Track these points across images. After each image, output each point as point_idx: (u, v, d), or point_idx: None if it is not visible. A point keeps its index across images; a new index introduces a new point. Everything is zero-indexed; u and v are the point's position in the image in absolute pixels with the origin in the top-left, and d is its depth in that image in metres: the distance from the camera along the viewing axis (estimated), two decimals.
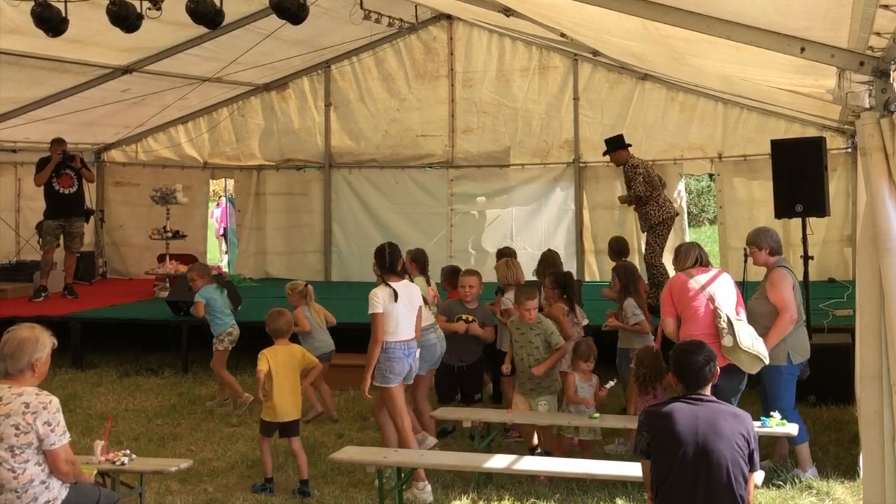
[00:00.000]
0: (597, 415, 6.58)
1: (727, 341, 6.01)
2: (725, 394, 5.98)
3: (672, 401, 4.25)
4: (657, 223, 10.08)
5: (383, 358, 6.33)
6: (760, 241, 6.47)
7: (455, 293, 7.89)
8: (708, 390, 4.24)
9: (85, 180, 12.00)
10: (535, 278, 8.53)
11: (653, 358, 6.65)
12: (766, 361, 6.06)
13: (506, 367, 7.17)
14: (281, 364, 6.49)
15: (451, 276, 8.32)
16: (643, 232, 10.41)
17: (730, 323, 6.05)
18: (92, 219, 13.02)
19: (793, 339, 6.32)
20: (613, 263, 8.84)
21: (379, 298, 6.28)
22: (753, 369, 6.08)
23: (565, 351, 6.93)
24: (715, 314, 6.11)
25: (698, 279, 6.31)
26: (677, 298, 6.29)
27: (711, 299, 6.16)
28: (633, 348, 7.42)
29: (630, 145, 10.50)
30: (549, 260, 8.52)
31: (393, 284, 6.33)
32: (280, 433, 6.51)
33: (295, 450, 6.47)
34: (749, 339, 6.02)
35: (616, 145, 10.44)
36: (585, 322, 7.89)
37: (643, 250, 10.55)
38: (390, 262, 6.43)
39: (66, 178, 11.74)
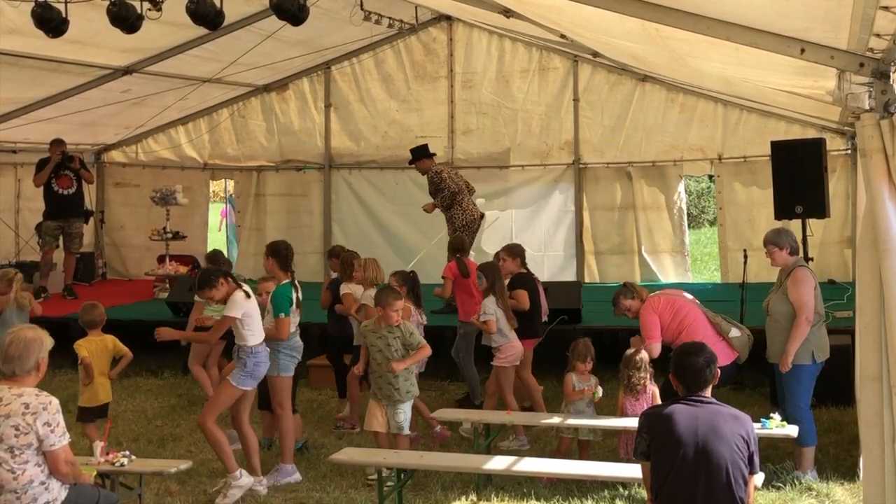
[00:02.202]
0: (599, 391, 6.67)
1: (735, 332, 6.58)
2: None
3: (672, 402, 4.24)
4: (461, 225, 10.48)
5: (256, 361, 6.41)
6: (781, 241, 6.51)
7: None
8: (708, 392, 4.24)
9: (84, 181, 12.00)
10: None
11: (644, 361, 6.65)
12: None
13: (359, 369, 7.04)
14: (95, 353, 6.93)
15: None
16: (449, 235, 10.56)
17: (725, 318, 6.65)
18: (92, 220, 13.02)
19: (816, 339, 6.38)
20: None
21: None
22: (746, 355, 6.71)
23: (429, 351, 6.74)
24: (707, 315, 6.64)
25: (675, 292, 6.91)
26: (668, 317, 6.63)
27: (698, 305, 6.73)
28: (489, 345, 7.65)
29: (434, 154, 11.03)
30: (350, 263, 8.34)
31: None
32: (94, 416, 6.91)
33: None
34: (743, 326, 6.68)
35: (421, 155, 10.85)
36: (425, 322, 7.98)
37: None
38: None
39: (64, 178, 11.74)
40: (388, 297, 6.59)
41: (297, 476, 6.74)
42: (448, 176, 10.60)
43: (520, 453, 7.07)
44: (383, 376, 6.56)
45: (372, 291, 7.66)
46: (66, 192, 11.73)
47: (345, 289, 8.09)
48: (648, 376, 6.57)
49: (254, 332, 6.37)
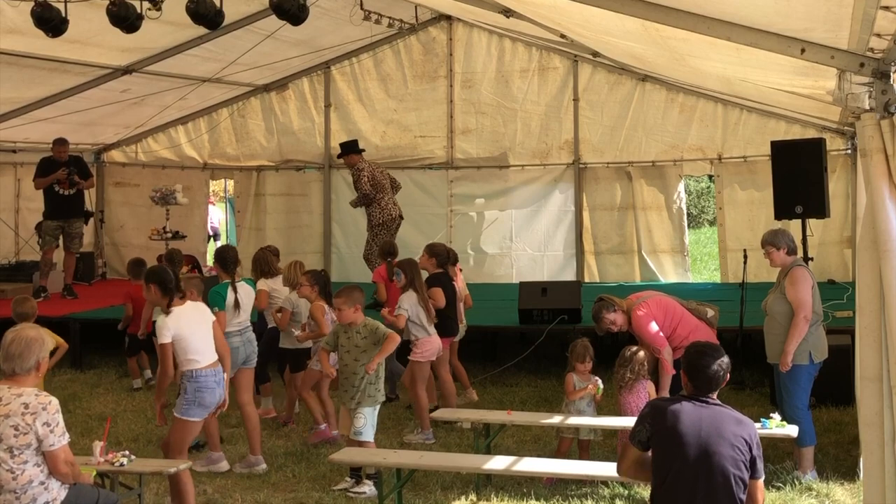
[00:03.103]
0: (600, 385, 6.70)
1: (711, 312, 7.08)
2: None
3: (679, 399, 4.26)
4: (378, 224, 10.84)
5: (198, 387, 5.89)
6: (778, 242, 6.52)
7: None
8: (716, 395, 4.25)
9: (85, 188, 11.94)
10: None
11: (638, 360, 6.66)
12: None
13: (331, 372, 6.76)
14: None
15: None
16: (367, 232, 11.00)
17: (697, 302, 7.15)
18: (92, 219, 13.00)
19: (814, 339, 6.39)
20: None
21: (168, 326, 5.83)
22: None
23: (397, 339, 6.58)
24: (685, 306, 6.99)
25: (652, 293, 7.09)
26: (661, 319, 6.78)
27: (676, 299, 7.03)
28: (408, 339, 7.69)
29: (363, 150, 11.29)
30: (262, 259, 8.37)
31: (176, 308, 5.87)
32: None
33: None
34: None
35: (349, 150, 11.13)
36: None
37: (364, 247, 11.24)
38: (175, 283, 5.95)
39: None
40: (354, 295, 6.55)
41: (224, 464, 6.93)
42: (368, 174, 10.80)
43: (425, 447, 7.24)
44: (348, 378, 6.48)
45: (292, 294, 7.88)
46: (66, 193, 11.69)
47: (260, 285, 8.11)
48: (644, 372, 6.60)
49: (189, 356, 5.87)
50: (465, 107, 13.00)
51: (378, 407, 6.54)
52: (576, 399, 6.74)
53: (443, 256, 8.38)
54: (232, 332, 7.02)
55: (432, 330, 7.79)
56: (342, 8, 10.53)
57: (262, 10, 9.43)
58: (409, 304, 7.70)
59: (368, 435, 6.42)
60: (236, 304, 7.07)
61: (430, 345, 7.74)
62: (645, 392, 6.62)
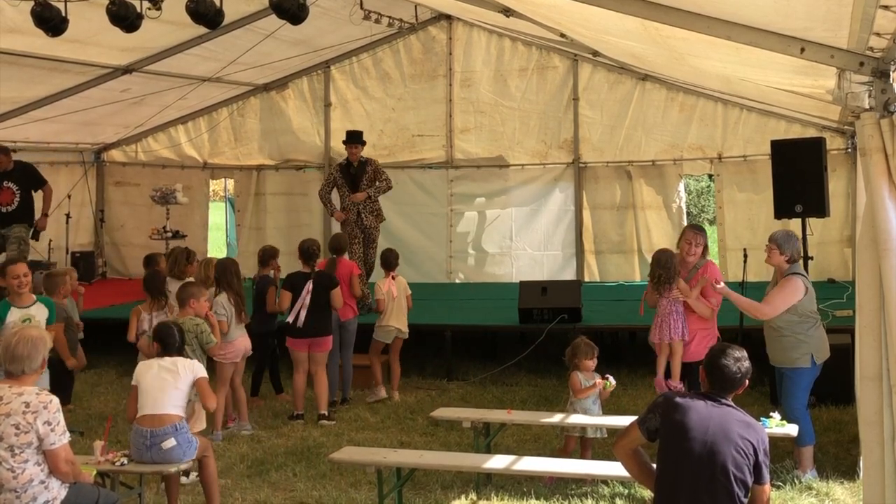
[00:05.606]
0: (611, 381, 6.72)
1: None
2: None
3: (692, 396, 4.28)
4: (380, 219, 11.26)
5: None
6: (785, 247, 6.49)
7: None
8: (730, 397, 4.26)
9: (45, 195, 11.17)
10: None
11: (668, 258, 6.76)
12: None
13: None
14: None
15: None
16: (369, 225, 11.13)
17: None
18: (93, 218, 12.92)
19: (815, 341, 6.44)
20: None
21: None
22: None
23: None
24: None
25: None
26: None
27: None
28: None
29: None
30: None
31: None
32: None
33: None
34: None
35: (360, 140, 10.83)
36: None
37: None
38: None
39: (6, 193, 10.76)
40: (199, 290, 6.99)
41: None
42: None
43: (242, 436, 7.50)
44: None
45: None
46: (5, 210, 10.73)
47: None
48: (677, 276, 6.68)
49: None
50: (464, 106, 12.99)
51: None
52: (581, 398, 6.71)
53: (306, 252, 8.39)
54: None
55: (240, 332, 7.86)
56: (342, 7, 10.53)
57: (261, 10, 9.43)
58: (225, 306, 7.75)
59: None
60: None
61: (233, 347, 7.78)
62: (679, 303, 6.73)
